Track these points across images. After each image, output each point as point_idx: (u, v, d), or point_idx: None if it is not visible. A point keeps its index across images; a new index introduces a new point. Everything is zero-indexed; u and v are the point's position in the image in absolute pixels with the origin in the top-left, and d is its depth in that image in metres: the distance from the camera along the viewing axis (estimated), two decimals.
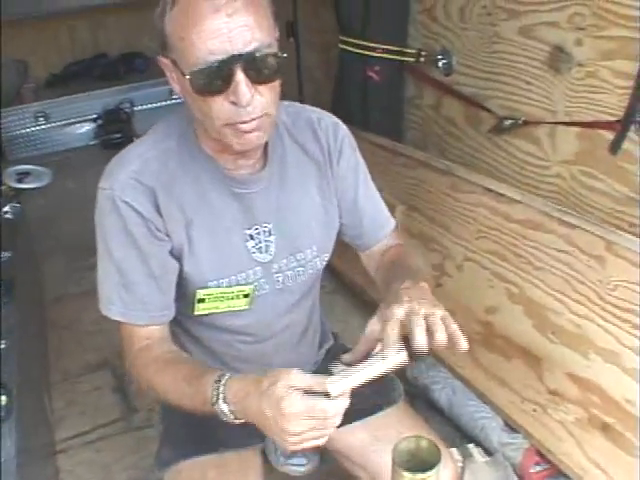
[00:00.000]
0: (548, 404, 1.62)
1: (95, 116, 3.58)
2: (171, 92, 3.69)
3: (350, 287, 2.54)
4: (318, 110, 1.30)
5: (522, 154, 2.03)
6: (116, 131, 3.51)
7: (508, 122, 2.04)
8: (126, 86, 3.63)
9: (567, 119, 1.83)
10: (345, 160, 1.29)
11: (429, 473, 1.11)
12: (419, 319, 0.97)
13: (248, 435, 1.35)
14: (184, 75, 1.01)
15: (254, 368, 1.24)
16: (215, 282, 1.20)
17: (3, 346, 1.75)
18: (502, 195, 1.84)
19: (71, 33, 3.74)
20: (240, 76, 0.99)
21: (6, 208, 2.49)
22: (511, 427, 1.70)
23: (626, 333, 1.47)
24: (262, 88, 1.02)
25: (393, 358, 1.01)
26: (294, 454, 1.80)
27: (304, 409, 0.94)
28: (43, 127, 3.48)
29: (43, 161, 3.30)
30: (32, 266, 2.57)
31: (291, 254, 1.26)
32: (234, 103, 1.01)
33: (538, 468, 1.58)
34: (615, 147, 1.70)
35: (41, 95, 3.52)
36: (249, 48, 0.98)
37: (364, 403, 1.41)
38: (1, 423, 1.51)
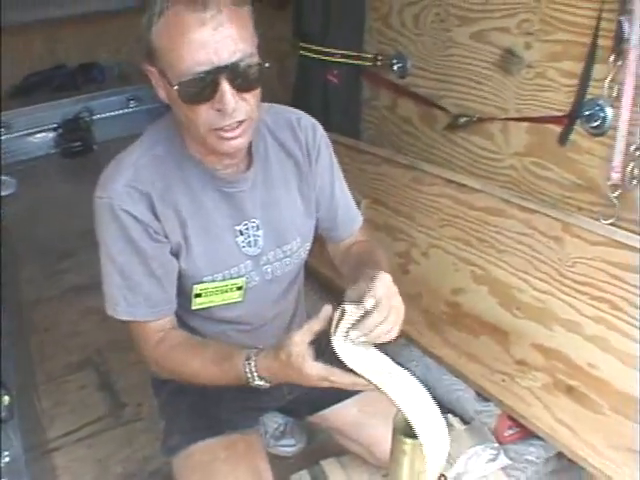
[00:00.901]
0: (516, 373, 1.67)
1: (55, 125, 3.52)
2: (128, 100, 3.73)
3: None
4: (296, 111, 1.34)
5: (477, 148, 2.08)
6: (76, 139, 3.50)
7: (463, 119, 2.09)
8: (84, 96, 3.60)
9: (518, 115, 1.89)
10: (322, 158, 1.33)
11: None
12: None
13: (247, 418, 1.39)
14: (172, 85, 1.02)
15: None
16: (210, 277, 1.22)
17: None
18: (464, 185, 1.90)
19: (28, 46, 3.66)
20: (225, 86, 1.01)
21: None
22: (483, 397, 1.75)
23: (585, 304, 1.54)
24: (245, 95, 1.05)
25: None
26: (283, 436, 1.83)
27: (323, 374, 1.04)
28: (6, 137, 3.41)
29: (7, 170, 3.24)
30: (13, 271, 2.51)
31: (278, 246, 1.29)
32: (219, 110, 1.03)
33: (511, 432, 1.64)
34: (563, 139, 1.76)
35: (3, 106, 3.42)
36: (233, 59, 1.00)
37: None
38: (4, 423, 1.47)
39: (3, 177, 3.18)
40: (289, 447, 1.78)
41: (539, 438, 1.61)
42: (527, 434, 1.63)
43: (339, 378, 1.05)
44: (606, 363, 1.49)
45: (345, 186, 1.41)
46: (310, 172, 1.31)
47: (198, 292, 1.24)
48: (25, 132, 3.49)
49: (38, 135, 3.53)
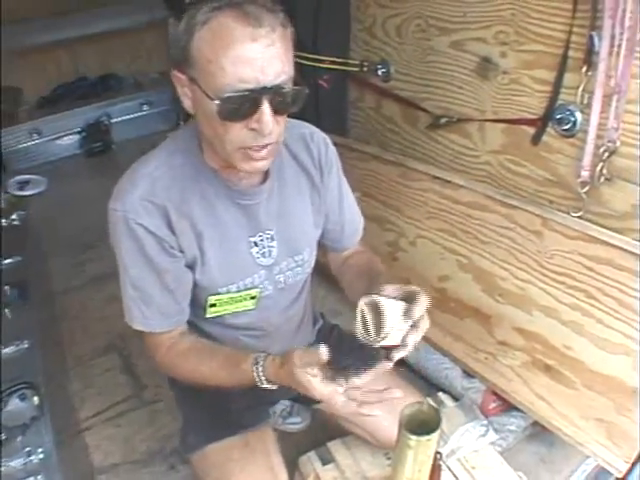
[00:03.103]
0: (498, 352, 1.60)
1: (79, 129, 3.50)
2: (142, 105, 3.62)
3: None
4: (309, 125, 1.20)
5: (456, 146, 1.97)
6: (97, 140, 3.48)
7: (444, 120, 1.97)
8: (104, 102, 3.58)
9: (494, 117, 1.78)
10: (333, 173, 1.20)
11: (433, 435, 1.07)
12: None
13: (259, 412, 1.28)
14: (210, 98, 0.87)
15: None
16: (225, 288, 1.10)
17: (26, 346, 1.60)
18: (449, 182, 1.80)
19: (55, 62, 3.69)
20: (266, 107, 0.87)
21: (13, 216, 2.29)
22: (469, 374, 1.68)
23: (563, 293, 1.47)
24: (279, 118, 0.91)
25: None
26: (290, 416, 1.74)
27: (326, 393, 0.94)
28: (37, 142, 3.42)
29: (39, 170, 3.23)
30: (42, 266, 2.38)
31: (290, 256, 1.16)
32: (254, 130, 0.90)
33: (494, 405, 1.57)
34: (536, 139, 1.67)
35: (34, 115, 3.48)
36: (278, 80, 0.86)
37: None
38: (35, 421, 1.38)
39: (35, 177, 3.11)
40: (296, 425, 1.69)
41: (518, 410, 1.55)
42: (508, 406, 1.57)
43: (341, 402, 0.95)
44: (580, 345, 1.43)
45: (352, 200, 1.29)
46: (322, 185, 1.19)
47: (213, 302, 1.12)
48: (54, 136, 3.45)
49: (65, 138, 3.49)
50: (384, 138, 2.36)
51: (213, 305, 1.12)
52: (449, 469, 1.29)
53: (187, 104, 0.95)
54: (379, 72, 2.21)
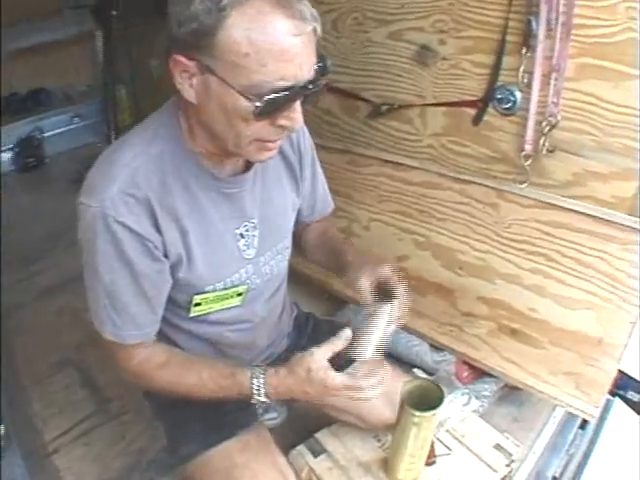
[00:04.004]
0: (464, 324, 1.58)
1: (12, 145, 3.21)
2: (72, 118, 3.37)
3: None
4: None
5: (397, 132, 1.91)
6: (30, 156, 3.22)
7: (385, 107, 1.90)
8: (35, 117, 3.30)
9: (435, 101, 1.74)
10: (310, 158, 1.12)
11: (437, 410, 1.01)
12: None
13: (250, 413, 1.16)
14: (244, 96, 0.73)
15: (242, 351, 1.10)
16: (211, 287, 0.96)
17: None
18: (400, 164, 1.74)
19: None
20: (298, 105, 0.76)
21: None
22: (438, 347, 1.63)
23: (522, 259, 1.46)
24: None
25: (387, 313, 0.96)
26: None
27: (344, 386, 0.87)
28: None
29: None
30: None
31: (274, 245, 1.05)
32: (282, 126, 0.78)
33: (467, 373, 1.53)
34: (477, 120, 1.64)
35: None
36: (310, 76, 0.75)
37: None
38: (5, 451, 1.19)
39: None
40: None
41: (490, 375, 1.51)
42: (480, 373, 1.53)
43: (364, 381, 0.88)
44: (544, 306, 1.43)
45: (323, 176, 1.20)
46: (300, 171, 1.09)
47: (198, 301, 0.98)
48: None
49: None
50: (322, 130, 2.26)
51: (198, 304, 0.98)
52: (440, 442, 1.22)
53: (189, 94, 0.79)
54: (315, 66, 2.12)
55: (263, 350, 1.18)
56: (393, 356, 1.72)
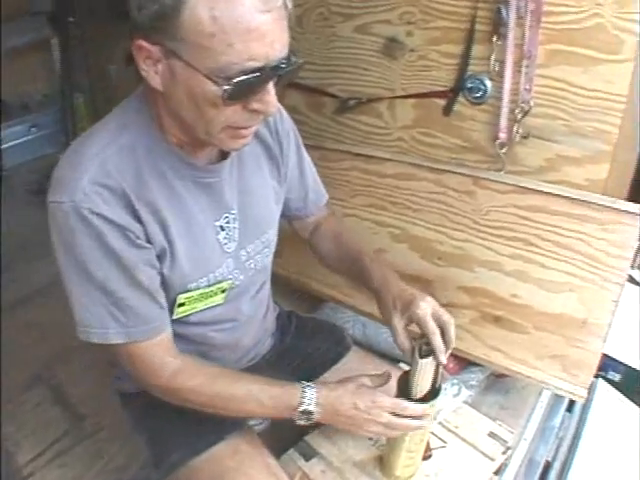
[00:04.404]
0: None
1: None
2: (30, 128, 3.16)
3: None
4: None
5: (366, 127, 1.87)
6: None
7: (352, 102, 1.85)
8: None
9: (404, 93, 1.70)
10: (292, 142, 1.05)
11: (436, 400, 0.96)
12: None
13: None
14: (210, 79, 0.67)
15: (227, 352, 1.04)
16: (195, 284, 0.88)
17: None
18: (372, 157, 1.68)
19: None
20: (271, 87, 0.70)
21: None
22: None
23: (502, 245, 1.42)
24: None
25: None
26: None
27: (391, 404, 0.89)
28: None
29: None
30: None
31: (257, 237, 0.98)
32: (255, 110, 0.71)
33: (453, 364, 1.47)
34: (448, 110, 1.61)
35: None
36: (283, 54, 0.68)
37: (326, 355, 1.19)
38: None
39: None
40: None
41: (476, 364, 1.45)
42: (467, 363, 1.48)
43: (411, 406, 0.90)
44: (526, 291, 1.39)
45: (311, 164, 1.14)
46: (282, 157, 1.02)
47: (182, 301, 0.89)
48: None
49: None
50: None
51: (182, 305, 0.90)
52: (434, 434, 1.16)
53: (155, 81, 0.72)
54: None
55: (249, 350, 1.11)
56: (376, 353, 1.65)
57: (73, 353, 1.67)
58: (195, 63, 0.66)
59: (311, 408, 0.86)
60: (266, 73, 0.67)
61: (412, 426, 0.90)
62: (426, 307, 0.92)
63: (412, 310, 0.92)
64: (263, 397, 0.86)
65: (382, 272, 1.01)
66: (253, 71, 0.66)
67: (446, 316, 0.93)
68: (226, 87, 0.66)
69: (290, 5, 0.71)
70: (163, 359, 0.86)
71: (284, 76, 0.71)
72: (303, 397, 0.86)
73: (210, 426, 0.98)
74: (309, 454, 1.15)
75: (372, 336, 1.62)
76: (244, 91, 0.68)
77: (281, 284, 1.78)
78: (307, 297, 1.85)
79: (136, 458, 1.38)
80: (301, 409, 0.86)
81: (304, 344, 1.23)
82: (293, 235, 1.27)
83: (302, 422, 0.89)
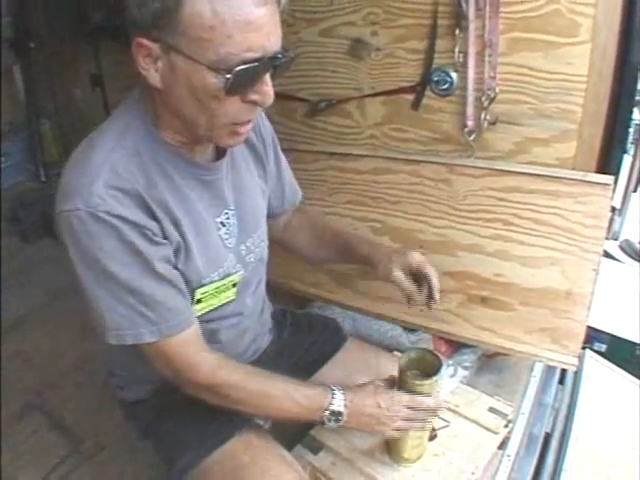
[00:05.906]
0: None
1: None
2: None
3: None
4: None
5: (337, 127, 1.87)
6: None
7: (323, 104, 1.85)
8: None
9: (373, 92, 1.70)
10: (272, 141, 1.07)
11: (438, 375, 0.94)
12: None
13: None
14: (213, 70, 0.68)
15: (229, 348, 1.01)
16: (208, 278, 0.88)
17: None
18: (347, 155, 1.68)
19: None
20: (268, 78, 0.71)
21: None
22: (409, 329, 1.57)
23: (482, 227, 1.43)
24: None
25: None
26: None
27: (408, 399, 0.93)
28: None
29: None
30: None
31: (254, 232, 0.99)
32: (252, 102, 0.72)
33: (445, 347, 1.47)
34: (416, 104, 1.62)
35: None
36: (277, 47, 0.70)
37: (325, 347, 1.19)
38: None
39: None
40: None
41: (468, 346, 1.45)
42: (458, 345, 1.47)
43: (427, 398, 0.94)
44: (509, 269, 1.40)
45: (287, 164, 1.16)
46: (265, 155, 1.04)
47: (199, 297, 0.88)
48: None
49: None
50: None
51: (199, 301, 0.89)
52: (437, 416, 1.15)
53: (154, 79, 0.73)
54: None
55: (249, 345, 1.08)
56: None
57: (62, 378, 1.62)
58: (196, 56, 0.67)
59: (341, 409, 0.89)
60: (264, 63, 0.69)
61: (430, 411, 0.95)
62: (420, 255, 1.03)
63: (410, 258, 1.03)
64: (298, 396, 0.88)
65: (366, 240, 1.11)
66: (252, 61, 0.68)
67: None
68: (228, 76, 0.68)
69: (283, 0, 0.73)
70: (199, 353, 0.85)
71: (279, 67, 0.73)
72: (334, 398, 0.89)
73: (220, 424, 0.96)
74: (316, 448, 1.13)
75: (363, 329, 1.61)
76: (243, 82, 0.70)
77: (269, 288, 1.78)
78: (294, 300, 1.84)
79: (143, 472, 1.33)
80: (331, 409, 0.89)
81: (301, 338, 1.22)
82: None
83: (331, 424, 0.91)
